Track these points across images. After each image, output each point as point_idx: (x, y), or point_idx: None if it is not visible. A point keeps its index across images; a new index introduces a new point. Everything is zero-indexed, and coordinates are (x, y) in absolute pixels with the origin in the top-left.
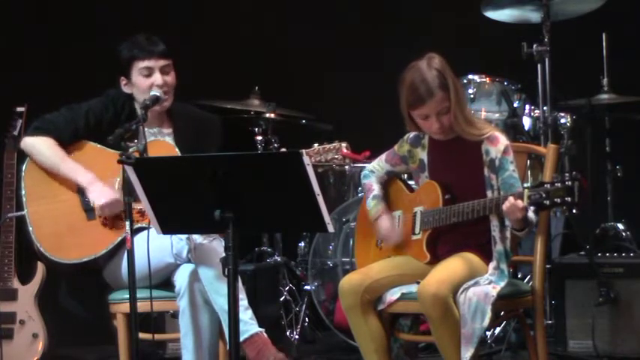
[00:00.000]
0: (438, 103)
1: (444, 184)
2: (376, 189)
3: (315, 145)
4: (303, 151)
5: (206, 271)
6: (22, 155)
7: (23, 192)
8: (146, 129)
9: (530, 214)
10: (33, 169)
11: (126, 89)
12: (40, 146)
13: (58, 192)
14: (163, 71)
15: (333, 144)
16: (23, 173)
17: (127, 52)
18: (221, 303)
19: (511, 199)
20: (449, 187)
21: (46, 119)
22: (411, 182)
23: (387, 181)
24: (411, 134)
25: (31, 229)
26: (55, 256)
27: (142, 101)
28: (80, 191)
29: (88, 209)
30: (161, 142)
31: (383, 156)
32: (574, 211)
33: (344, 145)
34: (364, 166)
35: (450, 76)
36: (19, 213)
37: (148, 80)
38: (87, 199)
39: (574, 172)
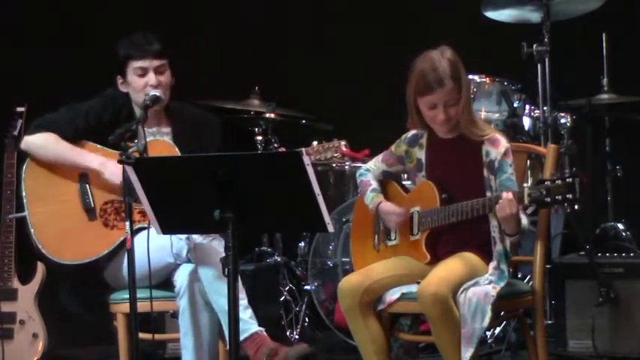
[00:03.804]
0: (447, 93)
1: (440, 184)
2: (374, 184)
3: (315, 143)
4: (303, 149)
5: (206, 271)
6: (22, 156)
7: (24, 193)
8: (145, 128)
9: (524, 221)
10: (33, 169)
11: (122, 88)
12: (44, 141)
13: (59, 193)
14: (157, 71)
15: (332, 142)
16: (24, 174)
17: (123, 51)
18: (221, 303)
19: (504, 194)
20: (445, 187)
21: (47, 118)
22: (407, 182)
23: (383, 183)
24: (409, 134)
25: (32, 230)
26: (57, 258)
27: (141, 101)
28: (81, 190)
29: (89, 209)
30: (161, 142)
31: (379, 156)
32: (575, 207)
33: (343, 143)
34: (363, 165)
35: (462, 71)
36: (19, 214)
37: (142, 80)
38: (87, 199)
39: (574, 169)
